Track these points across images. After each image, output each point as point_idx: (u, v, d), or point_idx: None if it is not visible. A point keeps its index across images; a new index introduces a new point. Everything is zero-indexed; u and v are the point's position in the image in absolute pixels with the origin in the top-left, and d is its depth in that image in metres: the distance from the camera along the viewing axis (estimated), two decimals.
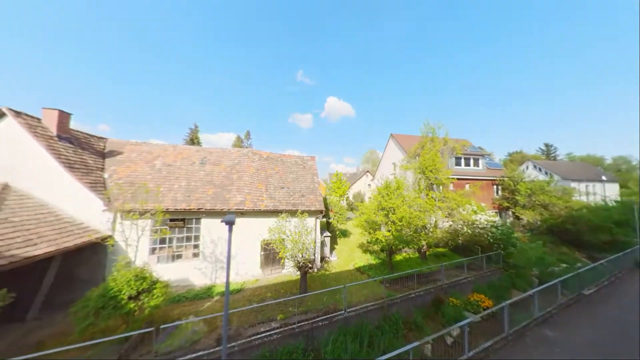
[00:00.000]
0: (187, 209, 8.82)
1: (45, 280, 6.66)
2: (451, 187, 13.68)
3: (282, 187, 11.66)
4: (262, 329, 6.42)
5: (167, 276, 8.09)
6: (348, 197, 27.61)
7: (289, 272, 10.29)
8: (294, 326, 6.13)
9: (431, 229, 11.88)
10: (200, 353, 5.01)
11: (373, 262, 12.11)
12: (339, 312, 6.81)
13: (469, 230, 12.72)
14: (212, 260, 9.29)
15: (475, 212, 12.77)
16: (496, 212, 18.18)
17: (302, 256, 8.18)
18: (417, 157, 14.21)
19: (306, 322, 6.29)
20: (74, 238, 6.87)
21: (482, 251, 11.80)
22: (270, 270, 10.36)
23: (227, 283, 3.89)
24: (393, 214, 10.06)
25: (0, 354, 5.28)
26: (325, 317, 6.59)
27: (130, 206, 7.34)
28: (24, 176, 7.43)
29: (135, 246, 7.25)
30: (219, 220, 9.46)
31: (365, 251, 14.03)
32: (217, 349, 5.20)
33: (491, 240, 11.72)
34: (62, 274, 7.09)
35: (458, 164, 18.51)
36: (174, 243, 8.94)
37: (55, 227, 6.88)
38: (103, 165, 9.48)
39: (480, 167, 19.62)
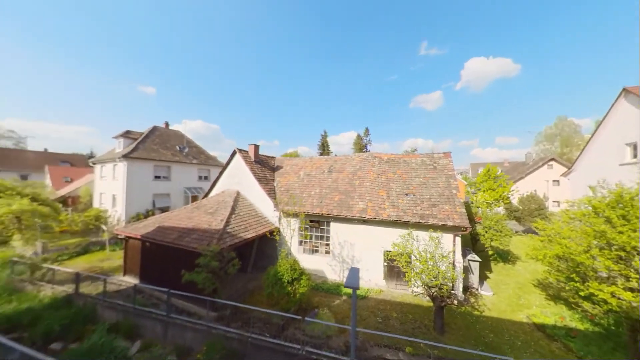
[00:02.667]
0: (320, 214, 10.48)
1: (253, 252, 11.02)
2: None
3: (407, 194, 10.29)
4: (389, 356, 6.01)
5: (308, 265, 10.20)
6: (509, 201, 19.06)
7: (417, 293, 8.92)
8: None
9: None
10: (332, 355, 5.61)
11: (579, 325, 7.15)
12: None
13: None
14: (340, 260, 10.35)
15: None
16: None
17: (439, 287, 6.61)
18: None
19: None
20: (263, 228, 10.68)
21: None
22: (394, 284, 9.65)
23: (354, 330, 3.88)
24: None
25: (239, 290, 9.48)
26: None
27: (286, 209, 10.05)
28: (243, 186, 12.77)
29: (290, 241, 9.81)
30: (345, 225, 10.35)
31: (556, 298, 8.76)
32: (345, 358, 5.55)
33: None
34: (259, 249, 11.36)
35: None
36: (313, 240, 11.06)
37: (255, 219, 11.11)
38: (273, 177, 13.90)
39: None
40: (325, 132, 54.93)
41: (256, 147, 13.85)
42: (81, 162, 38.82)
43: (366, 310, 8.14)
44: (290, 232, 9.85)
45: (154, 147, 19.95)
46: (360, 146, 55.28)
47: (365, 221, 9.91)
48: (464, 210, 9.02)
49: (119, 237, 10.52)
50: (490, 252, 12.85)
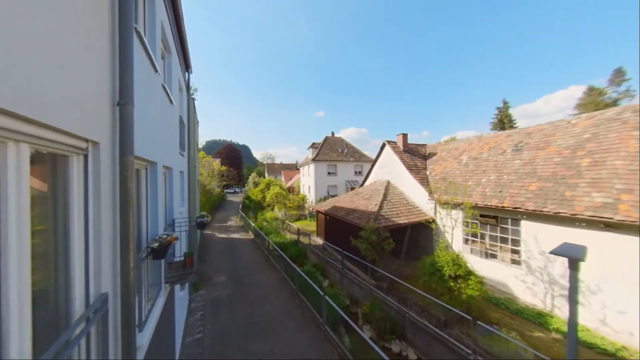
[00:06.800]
0: (499, 207, 7.77)
1: (405, 238, 11.08)
2: None
3: None
4: None
5: (480, 271, 8.07)
6: None
7: None
8: None
9: None
10: None
11: None
12: None
13: None
14: (544, 279, 6.92)
15: None
16: None
17: None
18: None
19: None
20: (415, 216, 10.33)
21: None
22: None
23: None
24: None
25: (393, 272, 10.07)
26: None
27: (444, 199, 8.78)
28: (393, 176, 13.21)
29: (450, 234, 8.46)
30: (553, 227, 6.73)
31: None
32: None
33: None
34: (412, 238, 11.13)
35: None
36: (487, 240, 8.53)
37: (407, 207, 11.04)
38: (425, 165, 12.73)
39: None
40: (505, 103, 38.60)
41: (404, 136, 13.60)
42: (294, 167, 64.11)
43: None
44: (452, 224, 8.45)
45: (326, 152, 27.39)
46: (597, 105, 31.31)
47: (610, 226, 5.67)
48: None
49: (313, 212, 16.01)
50: None
